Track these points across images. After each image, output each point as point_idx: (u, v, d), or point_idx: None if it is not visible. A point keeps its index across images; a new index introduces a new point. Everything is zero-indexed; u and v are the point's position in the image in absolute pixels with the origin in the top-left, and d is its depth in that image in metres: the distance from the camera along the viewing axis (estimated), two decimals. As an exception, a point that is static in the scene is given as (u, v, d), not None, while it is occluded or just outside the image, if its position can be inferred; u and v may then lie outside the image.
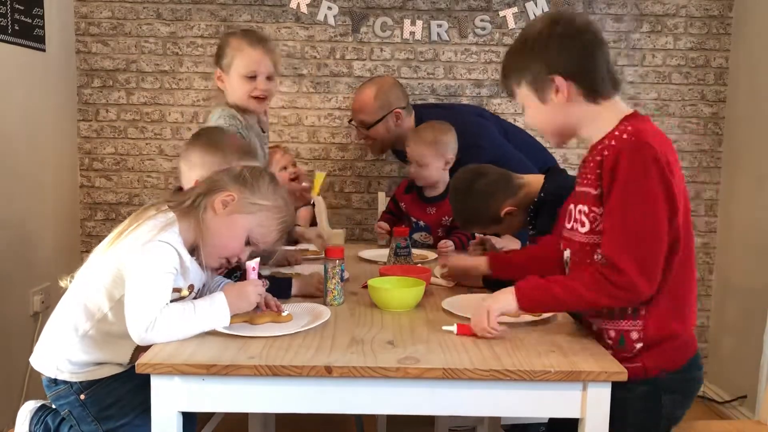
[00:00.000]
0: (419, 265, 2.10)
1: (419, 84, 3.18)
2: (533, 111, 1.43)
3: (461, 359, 1.28)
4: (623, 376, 1.25)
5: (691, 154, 3.20)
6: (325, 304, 1.65)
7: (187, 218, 1.47)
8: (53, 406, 1.61)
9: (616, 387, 1.26)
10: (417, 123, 2.67)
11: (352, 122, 2.83)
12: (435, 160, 2.49)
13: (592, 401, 1.26)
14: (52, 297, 2.86)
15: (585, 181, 1.40)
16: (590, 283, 1.32)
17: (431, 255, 2.31)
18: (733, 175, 3.13)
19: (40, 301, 2.76)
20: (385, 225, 2.60)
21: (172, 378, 1.25)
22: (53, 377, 1.51)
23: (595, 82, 1.37)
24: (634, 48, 3.14)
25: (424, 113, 2.73)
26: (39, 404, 1.61)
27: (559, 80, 1.36)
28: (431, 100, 3.18)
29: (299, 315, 1.52)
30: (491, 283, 1.85)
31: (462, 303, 1.64)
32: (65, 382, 1.51)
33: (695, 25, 3.14)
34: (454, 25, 3.12)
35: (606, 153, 1.32)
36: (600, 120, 1.38)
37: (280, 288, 1.69)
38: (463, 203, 1.96)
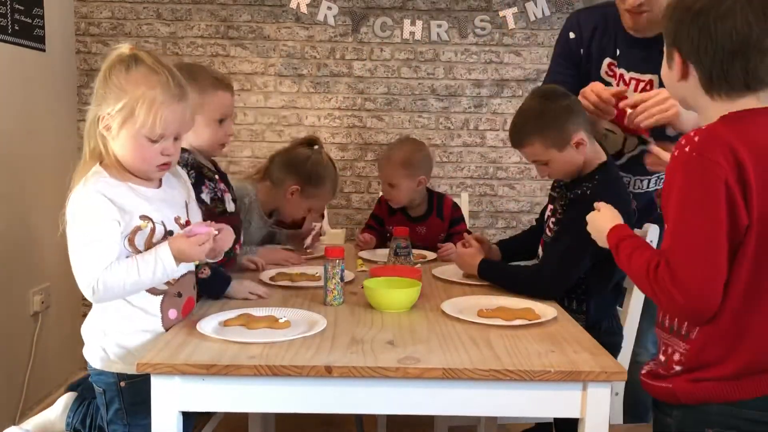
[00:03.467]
0: (418, 265, 2.10)
1: (419, 84, 3.18)
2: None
3: (461, 359, 1.28)
4: (623, 377, 1.25)
5: (691, 154, 3.19)
6: (325, 304, 1.65)
7: (108, 160, 1.44)
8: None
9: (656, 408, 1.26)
10: None
11: None
12: (406, 181, 2.39)
13: (592, 401, 1.26)
14: (52, 297, 2.86)
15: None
16: (637, 274, 1.23)
17: (431, 255, 2.31)
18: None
19: (40, 301, 2.76)
20: (368, 236, 2.46)
21: (172, 378, 1.25)
22: (100, 368, 1.49)
23: None
24: (634, 48, 3.14)
25: None
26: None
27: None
28: (431, 100, 3.18)
29: (296, 321, 1.50)
30: (487, 274, 1.88)
31: (462, 304, 1.65)
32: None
33: (695, 25, 3.14)
34: (454, 25, 3.12)
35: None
36: None
37: (214, 283, 1.65)
38: (542, 110, 1.76)
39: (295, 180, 2.23)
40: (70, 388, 1.72)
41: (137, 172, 1.46)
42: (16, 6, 2.59)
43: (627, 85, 1.96)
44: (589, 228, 1.46)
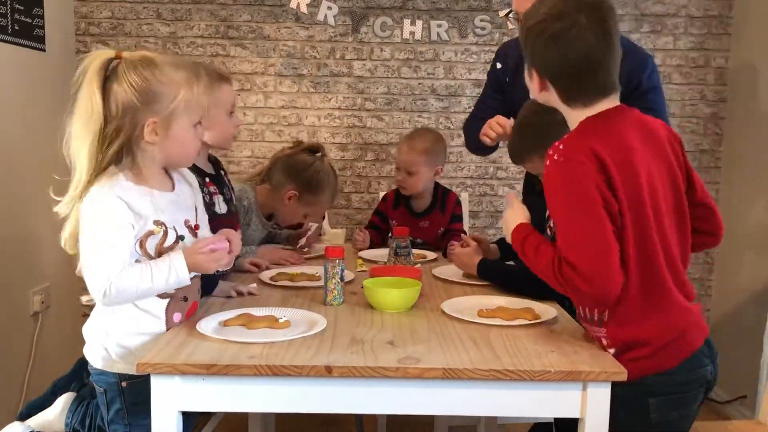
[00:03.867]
0: (418, 265, 2.10)
1: (419, 84, 3.18)
2: None
3: (461, 359, 1.28)
4: (623, 376, 1.25)
5: (691, 155, 3.19)
6: (325, 303, 1.65)
7: (132, 168, 1.44)
8: (35, 430, 1.61)
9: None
10: None
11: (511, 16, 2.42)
12: (425, 169, 2.44)
13: (591, 401, 1.26)
14: (52, 297, 2.86)
15: None
16: (544, 270, 1.35)
17: (431, 255, 2.32)
18: (733, 175, 3.13)
19: (40, 301, 2.76)
20: (362, 235, 2.46)
21: (172, 378, 1.25)
22: (101, 368, 1.49)
23: None
24: (634, 48, 3.14)
25: None
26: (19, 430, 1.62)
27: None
28: (431, 100, 3.18)
29: (296, 322, 1.50)
30: (487, 274, 1.88)
31: (462, 304, 1.65)
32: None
33: (695, 25, 3.14)
34: (454, 25, 3.12)
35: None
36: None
37: (206, 284, 1.65)
38: (534, 124, 1.80)
39: (294, 186, 2.24)
40: (59, 386, 1.72)
41: (180, 164, 1.50)
42: (16, 6, 2.59)
43: None
44: (502, 226, 1.56)
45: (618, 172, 1.30)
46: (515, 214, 1.52)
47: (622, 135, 1.35)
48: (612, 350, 1.35)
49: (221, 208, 1.89)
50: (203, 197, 1.77)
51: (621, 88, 1.41)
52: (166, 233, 1.44)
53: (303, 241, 2.38)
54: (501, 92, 2.34)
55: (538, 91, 1.44)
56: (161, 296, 1.46)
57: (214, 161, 1.97)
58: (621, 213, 1.30)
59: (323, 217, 2.80)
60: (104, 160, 1.42)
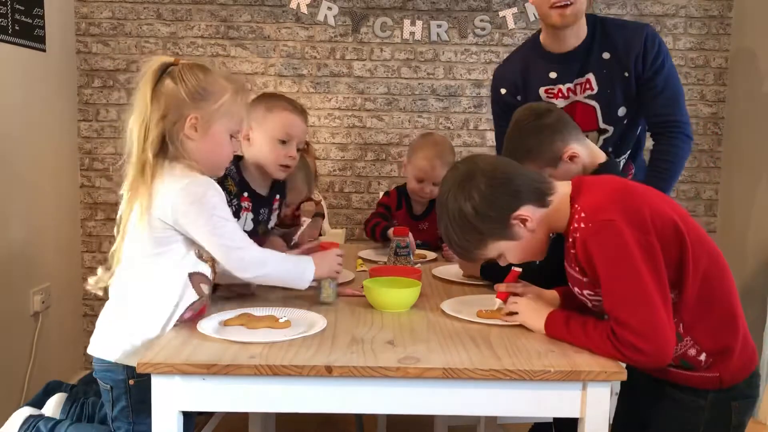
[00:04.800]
0: (418, 265, 2.10)
1: (419, 84, 3.18)
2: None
3: (461, 359, 1.28)
4: (623, 376, 1.25)
5: (691, 154, 3.19)
6: (319, 301, 1.65)
7: (177, 158, 1.50)
8: (45, 414, 1.61)
9: (688, 393, 1.39)
10: None
11: None
12: None
13: (591, 401, 1.26)
14: (52, 297, 2.86)
15: (573, 270, 1.43)
16: (600, 344, 1.33)
17: (431, 255, 2.32)
18: (732, 175, 3.13)
19: (40, 301, 2.76)
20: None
21: (173, 378, 1.25)
22: (112, 360, 1.49)
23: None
24: (634, 48, 3.14)
25: None
26: (28, 414, 1.62)
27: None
28: (431, 100, 3.18)
29: (296, 322, 1.50)
30: (489, 275, 1.87)
31: (461, 304, 1.65)
32: (121, 365, 1.50)
33: (695, 25, 3.14)
34: (454, 26, 3.12)
35: (576, 248, 1.36)
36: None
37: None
38: (525, 138, 1.78)
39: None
40: (51, 386, 1.72)
41: (208, 168, 1.54)
42: (16, 6, 2.59)
43: (572, 91, 2.16)
44: (526, 323, 1.48)
45: (643, 226, 1.32)
46: (529, 309, 1.48)
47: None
48: (704, 355, 1.37)
49: (247, 225, 1.90)
50: (231, 207, 1.79)
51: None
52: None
53: (296, 238, 2.37)
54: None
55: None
56: (197, 291, 1.50)
57: (276, 186, 2.01)
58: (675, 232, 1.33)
59: (323, 216, 2.80)
60: (148, 140, 1.48)
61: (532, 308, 1.47)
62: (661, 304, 1.28)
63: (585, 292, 1.42)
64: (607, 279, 1.31)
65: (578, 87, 2.14)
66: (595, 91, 2.12)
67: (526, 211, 1.41)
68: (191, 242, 1.49)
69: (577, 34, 2.11)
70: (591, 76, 2.12)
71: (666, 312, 1.28)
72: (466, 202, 1.40)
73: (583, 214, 1.35)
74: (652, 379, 1.44)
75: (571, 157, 1.75)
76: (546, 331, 1.42)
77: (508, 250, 1.47)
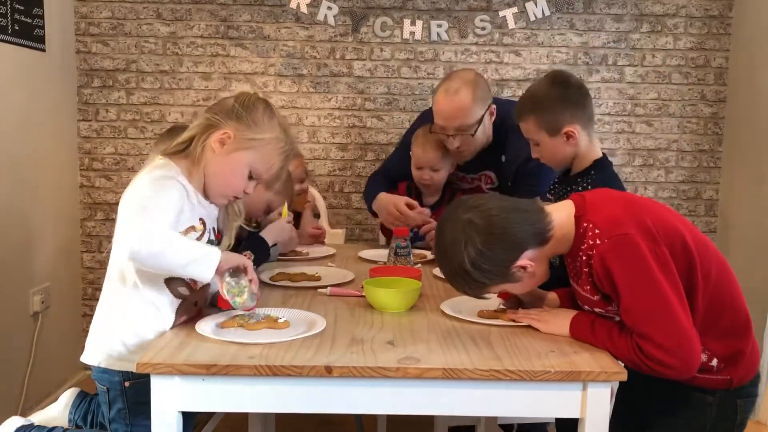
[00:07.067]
0: (418, 265, 2.10)
1: (419, 84, 3.17)
2: None
3: (461, 359, 1.28)
4: (623, 376, 1.25)
5: (691, 154, 3.20)
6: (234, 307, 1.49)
7: (186, 161, 1.51)
8: (36, 424, 1.61)
9: (696, 391, 1.41)
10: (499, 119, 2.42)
11: (445, 133, 2.35)
12: (446, 165, 2.45)
13: (592, 401, 1.26)
14: (52, 297, 2.86)
15: (583, 289, 1.43)
16: (626, 354, 1.33)
17: (431, 255, 2.31)
18: (732, 175, 3.13)
19: (40, 301, 2.76)
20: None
21: (172, 378, 1.25)
22: (105, 367, 1.49)
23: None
24: (634, 48, 3.14)
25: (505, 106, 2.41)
26: (20, 424, 1.61)
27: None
28: (431, 100, 3.17)
29: (295, 322, 1.50)
30: None
31: (461, 304, 1.65)
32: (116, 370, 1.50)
33: (695, 25, 3.14)
34: (454, 25, 3.12)
35: (591, 264, 1.35)
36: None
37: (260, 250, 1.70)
38: (545, 92, 1.80)
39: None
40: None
41: (210, 190, 1.52)
42: (16, 6, 2.59)
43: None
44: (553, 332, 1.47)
45: (655, 238, 1.33)
46: (551, 316, 1.47)
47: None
48: (715, 360, 1.39)
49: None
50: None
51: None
52: (203, 234, 1.51)
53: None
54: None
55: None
56: (176, 294, 1.48)
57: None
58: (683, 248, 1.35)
59: (319, 216, 2.79)
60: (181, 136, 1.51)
61: (553, 314, 1.48)
62: (683, 316, 1.29)
63: (596, 309, 1.42)
64: (628, 294, 1.31)
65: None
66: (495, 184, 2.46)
67: (527, 257, 1.38)
68: None
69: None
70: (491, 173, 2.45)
71: (688, 322, 1.29)
72: (465, 259, 1.36)
73: (597, 231, 1.34)
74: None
75: (569, 136, 1.76)
76: (571, 333, 1.42)
77: (512, 288, 1.47)
